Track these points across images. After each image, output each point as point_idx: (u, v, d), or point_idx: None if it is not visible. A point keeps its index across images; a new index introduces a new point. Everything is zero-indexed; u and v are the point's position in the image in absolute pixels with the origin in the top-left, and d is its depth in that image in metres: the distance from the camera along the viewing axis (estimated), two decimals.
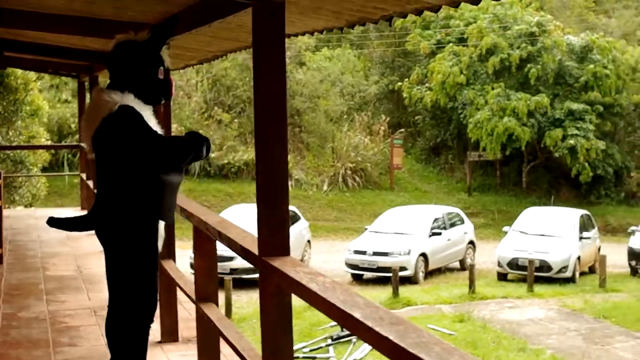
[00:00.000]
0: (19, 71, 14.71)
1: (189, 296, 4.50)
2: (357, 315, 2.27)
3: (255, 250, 3.20)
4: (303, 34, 4.50)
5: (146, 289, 3.83)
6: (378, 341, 2.12)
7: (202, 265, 4.31)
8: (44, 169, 19.02)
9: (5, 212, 9.16)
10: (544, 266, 18.49)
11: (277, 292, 3.08)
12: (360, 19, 3.70)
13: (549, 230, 19.58)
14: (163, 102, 4.01)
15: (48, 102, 21.23)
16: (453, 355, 1.94)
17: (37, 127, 16.94)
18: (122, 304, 3.83)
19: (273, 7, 3.11)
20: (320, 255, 20.58)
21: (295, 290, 2.82)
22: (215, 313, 4.07)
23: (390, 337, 2.05)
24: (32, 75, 15.61)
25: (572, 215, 20.73)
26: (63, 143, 25.84)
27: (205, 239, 4.21)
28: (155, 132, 3.70)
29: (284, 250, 3.13)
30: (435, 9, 3.14)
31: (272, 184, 3.16)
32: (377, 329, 2.13)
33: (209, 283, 4.27)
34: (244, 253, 3.40)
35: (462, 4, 2.95)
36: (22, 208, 15.17)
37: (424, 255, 18.81)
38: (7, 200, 15.58)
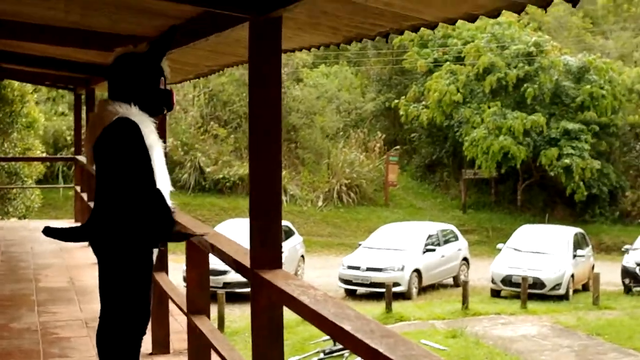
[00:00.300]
0: (16, 83, 14.74)
1: (180, 308, 4.49)
2: (347, 327, 2.27)
3: (247, 263, 3.21)
4: (300, 49, 4.52)
5: (139, 301, 3.82)
6: (368, 353, 2.13)
7: (194, 277, 4.31)
8: (38, 181, 18.99)
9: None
10: (538, 283, 18.49)
11: (269, 305, 3.09)
12: (357, 35, 3.72)
13: (542, 247, 19.59)
14: (165, 112, 4.01)
15: (44, 114, 21.24)
16: None
17: (33, 139, 16.95)
18: (115, 316, 3.82)
19: (270, 22, 3.13)
20: (314, 271, 20.55)
21: (286, 303, 2.83)
22: (207, 325, 4.07)
23: (380, 350, 2.06)
24: (28, 87, 15.64)
25: (566, 233, 20.75)
26: (58, 155, 25.81)
27: (197, 251, 4.22)
28: (144, 164, 3.64)
29: (276, 263, 3.14)
30: (432, 26, 3.16)
31: (265, 198, 3.17)
32: (367, 341, 2.14)
33: (200, 295, 4.27)
34: (236, 265, 3.40)
35: (460, 22, 2.97)
36: (16, 220, 15.14)
37: (417, 271, 18.80)
38: (1, 211, 15.58)
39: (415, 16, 3.08)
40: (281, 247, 3.17)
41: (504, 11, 2.67)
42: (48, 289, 7.21)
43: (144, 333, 3.91)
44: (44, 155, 19.33)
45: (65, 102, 29.10)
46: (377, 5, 3.06)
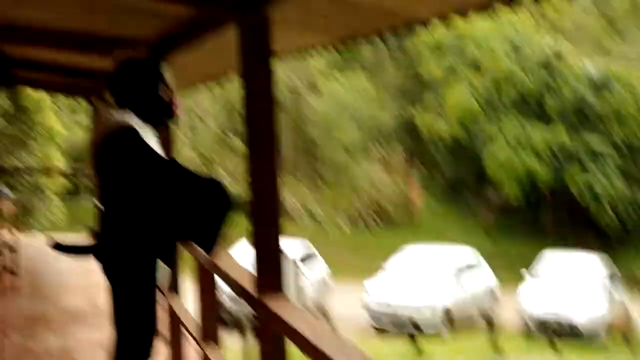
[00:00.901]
0: (33, 93, 14.82)
1: (190, 333, 4.38)
2: None
3: (251, 289, 3.09)
4: (297, 51, 4.47)
5: (143, 323, 3.71)
6: None
7: (204, 302, 4.19)
8: (62, 194, 18.94)
9: (23, 240, 9.15)
10: (570, 326, 17.51)
11: (271, 333, 2.96)
12: (351, 34, 3.68)
13: (571, 280, 18.86)
14: (168, 123, 3.87)
15: (66, 125, 21.18)
16: None
17: (52, 149, 16.94)
18: (120, 337, 3.73)
19: (257, 21, 3.02)
20: (339, 296, 20.03)
21: (287, 334, 2.70)
22: (215, 353, 3.94)
23: None
24: (45, 97, 15.72)
25: (594, 262, 20.07)
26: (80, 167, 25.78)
27: (206, 274, 4.11)
28: (163, 158, 3.54)
29: (279, 288, 3.02)
30: (425, 24, 3.12)
31: (266, 216, 3.03)
32: None
33: (209, 320, 4.15)
34: (240, 291, 3.28)
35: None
36: (40, 234, 15.18)
37: (445, 306, 18.15)
38: (25, 226, 15.63)
39: (406, 13, 3.02)
40: (283, 270, 3.04)
41: (502, 8, 2.64)
42: (68, 310, 7.17)
43: (149, 356, 3.80)
44: (63, 166, 19.32)
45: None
46: (366, 1, 3.00)
